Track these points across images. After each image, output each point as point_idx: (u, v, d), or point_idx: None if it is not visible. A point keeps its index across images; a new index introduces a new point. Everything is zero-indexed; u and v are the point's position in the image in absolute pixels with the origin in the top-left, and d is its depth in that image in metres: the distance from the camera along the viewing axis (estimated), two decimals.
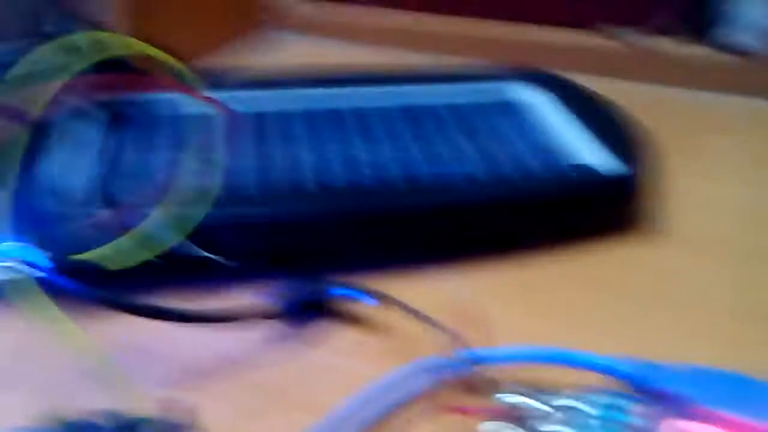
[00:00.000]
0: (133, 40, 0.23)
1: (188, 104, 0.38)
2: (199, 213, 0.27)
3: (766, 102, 0.47)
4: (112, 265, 0.25)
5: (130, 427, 0.19)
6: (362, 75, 0.44)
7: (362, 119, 0.39)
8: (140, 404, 0.21)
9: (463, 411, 0.23)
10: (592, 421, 0.20)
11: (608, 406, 0.21)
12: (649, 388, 0.22)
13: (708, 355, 0.23)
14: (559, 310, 0.29)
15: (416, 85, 0.42)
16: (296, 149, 0.35)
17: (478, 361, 0.24)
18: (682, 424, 0.20)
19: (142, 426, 0.20)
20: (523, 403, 0.21)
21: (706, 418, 0.20)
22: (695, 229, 0.34)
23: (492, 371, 0.23)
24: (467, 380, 0.24)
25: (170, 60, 0.24)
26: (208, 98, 0.27)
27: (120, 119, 0.35)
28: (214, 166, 0.27)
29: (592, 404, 0.21)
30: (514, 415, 0.21)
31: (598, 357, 0.23)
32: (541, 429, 0.21)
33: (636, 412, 0.20)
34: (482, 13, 0.55)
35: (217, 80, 0.42)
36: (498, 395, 0.22)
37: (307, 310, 0.27)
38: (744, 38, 0.46)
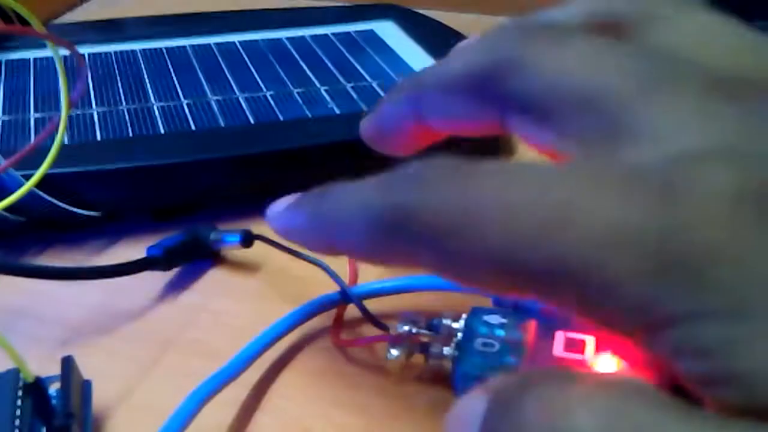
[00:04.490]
0: None
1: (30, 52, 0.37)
2: (49, 165, 0.25)
3: None
4: None
5: (35, 386, 0.18)
6: (203, 18, 0.43)
7: (212, 62, 0.38)
8: (36, 365, 0.20)
9: (362, 343, 0.24)
10: (480, 340, 0.22)
11: (494, 326, 0.22)
12: (522, 305, 0.23)
13: None
14: None
15: (269, 25, 0.43)
16: (148, 95, 0.34)
17: (366, 295, 0.25)
18: (573, 334, 0.21)
19: (47, 384, 0.19)
20: (418, 330, 0.22)
21: (586, 327, 0.21)
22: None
23: (379, 303, 0.24)
24: (359, 314, 0.24)
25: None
26: (60, 40, 0.26)
27: None
28: (62, 116, 0.26)
29: (481, 325, 0.22)
30: (413, 342, 0.22)
31: None
32: (441, 352, 0.22)
33: (518, 327, 0.22)
34: None
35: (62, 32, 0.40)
36: (396, 325, 0.22)
37: (189, 257, 0.27)
38: None
